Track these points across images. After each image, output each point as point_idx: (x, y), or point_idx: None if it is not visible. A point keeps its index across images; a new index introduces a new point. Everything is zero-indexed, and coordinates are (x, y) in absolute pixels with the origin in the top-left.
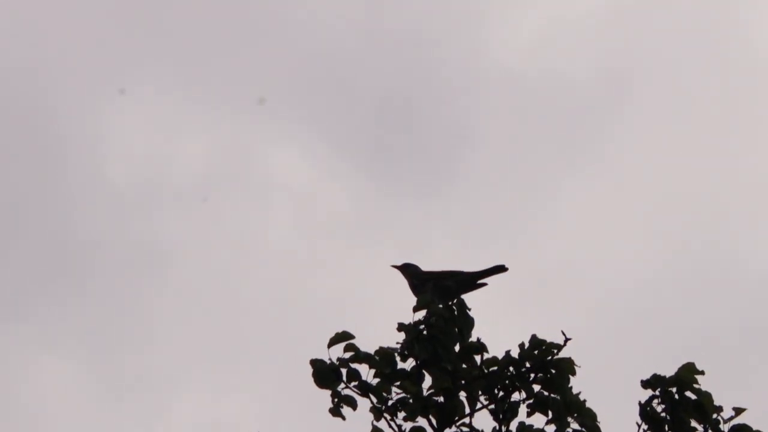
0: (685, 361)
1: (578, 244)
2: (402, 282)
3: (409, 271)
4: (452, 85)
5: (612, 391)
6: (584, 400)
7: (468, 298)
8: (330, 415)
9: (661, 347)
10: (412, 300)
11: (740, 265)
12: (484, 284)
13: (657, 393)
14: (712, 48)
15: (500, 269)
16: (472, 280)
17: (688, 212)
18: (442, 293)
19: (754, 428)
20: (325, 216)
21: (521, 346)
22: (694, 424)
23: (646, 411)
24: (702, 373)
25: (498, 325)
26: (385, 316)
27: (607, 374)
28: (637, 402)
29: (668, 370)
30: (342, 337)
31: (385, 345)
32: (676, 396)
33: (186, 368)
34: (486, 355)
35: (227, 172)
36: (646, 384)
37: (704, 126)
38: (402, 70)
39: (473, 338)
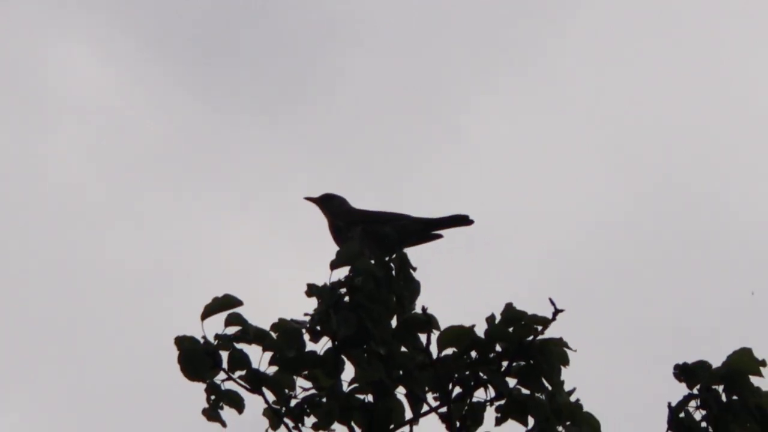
0: (702, 335)
1: (507, 180)
2: (321, 217)
3: (331, 205)
4: None
5: (611, 387)
6: (579, 402)
7: (413, 252)
8: (204, 420)
9: (661, 309)
10: (332, 250)
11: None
12: (439, 236)
13: (695, 391)
14: None
15: (462, 220)
16: (420, 230)
17: (663, 134)
18: (376, 243)
19: None
20: (131, 139)
21: (490, 319)
22: None
23: (677, 417)
24: (764, 364)
25: (449, 294)
26: (244, 287)
27: (599, 361)
28: (666, 404)
29: (687, 352)
30: (223, 304)
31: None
32: (724, 397)
33: None
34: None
35: None
36: (681, 373)
37: (688, 27)
38: None
39: (417, 309)
